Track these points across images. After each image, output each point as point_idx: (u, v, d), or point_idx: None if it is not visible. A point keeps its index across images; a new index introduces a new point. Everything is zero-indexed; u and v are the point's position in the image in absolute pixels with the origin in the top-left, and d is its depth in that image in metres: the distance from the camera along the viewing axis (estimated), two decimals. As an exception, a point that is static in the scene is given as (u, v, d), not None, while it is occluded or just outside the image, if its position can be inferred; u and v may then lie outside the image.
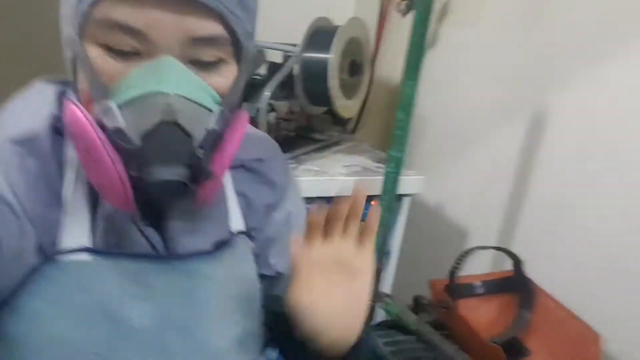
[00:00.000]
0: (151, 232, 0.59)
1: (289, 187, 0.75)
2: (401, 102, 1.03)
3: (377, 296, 1.16)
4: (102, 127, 0.49)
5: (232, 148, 0.54)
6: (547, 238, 1.22)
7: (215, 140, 0.53)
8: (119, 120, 0.49)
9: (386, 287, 1.42)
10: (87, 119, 0.48)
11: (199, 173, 0.51)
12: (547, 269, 1.17)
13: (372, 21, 1.77)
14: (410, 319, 1.07)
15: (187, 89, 0.50)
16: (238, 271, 0.67)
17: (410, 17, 1.09)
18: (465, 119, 1.50)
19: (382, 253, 1.11)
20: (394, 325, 1.20)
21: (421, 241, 1.57)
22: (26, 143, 0.54)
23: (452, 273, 1.10)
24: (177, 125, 0.49)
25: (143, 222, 0.59)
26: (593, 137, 1.12)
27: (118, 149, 0.49)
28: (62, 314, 0.54)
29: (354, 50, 1.43)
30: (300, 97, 1.40)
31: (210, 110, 0.52)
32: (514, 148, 1.31)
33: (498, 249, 1.12)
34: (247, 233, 0.68)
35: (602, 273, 1.09)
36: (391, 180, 1.07)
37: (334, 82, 1.35)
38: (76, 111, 0.48)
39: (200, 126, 0.52)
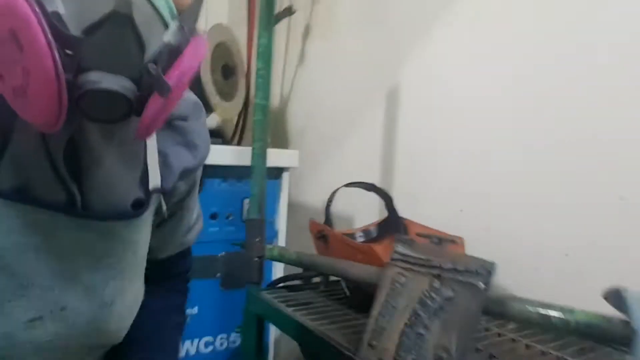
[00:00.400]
0: (69, 181, 0.51)
1: (206, 156, 0.72)
2: (259, 52, 1.13)
3: (261, 251, 1.15)
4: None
5: (192, 65, 0.46)
6: (414, 185, 1.31)
7: (171, 57, 0.45)
8: (57, 4, 0.39)
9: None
10: None
11: (148, 92, 0.43)
12: (418, 211, 1.24)
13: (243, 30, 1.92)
14: (291, 253, 1.07)
15: None
16: (148, 231, 0.64)
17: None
18: (337, 111, 1.63)
19: (261, 204, 1.13)
20: (285, 287, 1.19)
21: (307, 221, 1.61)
22: None
23: (327, 209, 1.14)
24: (131, 23, 0.41)
25: (64, 167, 0.50)
26: (436, 95, 1.29)
27: (54, 38, 0.39)
28: None
29: (224, 55, 1.55)
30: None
31: (167, 24, 0.45)
32: (379, 123, 1.45)
33: (367, 186, 1.18)
34: (162, 191, 0.64)
35: (453, 196, 1.19)
36: (259, 127, 1.13)
37: (206, 79, 1.44)
38: None
39: (155, 37, 0.44)
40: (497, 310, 0.70)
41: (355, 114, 1.56)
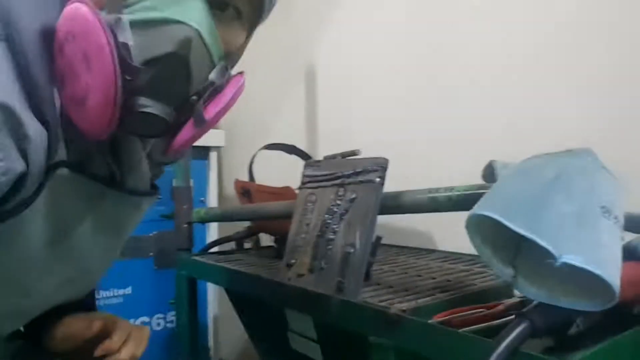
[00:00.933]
0: (111, 162, 0.58)
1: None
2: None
3: (189, 217, 1.18)
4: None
5: (229, 104, 0.53)
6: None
7: (212, 93, 0.51)
8: (128, 36, 0.45)
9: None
10: (97, 17, 0.44)
11: (184, 118, 0.50)
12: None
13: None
14: (216, 210, 1.11)
15: (206, 31, 0.48)
16: None
17: None
18: (263, 98, 1.72)
19: (186, 173, 1.17)
20: (216, 253, 1.22)
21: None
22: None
23: (250, 168, 1.19)
24: (185, 63, 0.47)
25: (106, 150, 0.57)
26: (346, 69, 1.41)
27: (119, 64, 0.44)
28: (39, 232, 0.51)
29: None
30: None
31: (214, 63, 0.51)
32: (301, 101, 1.54)
33: (287, 148, 1.24)
34: None
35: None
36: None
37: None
38: (82, 7, 0.44)
39: (202, 74, 0.50)
40: (393, 203, 0.77)
41: (279, 98, 1.65)
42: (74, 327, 0.68)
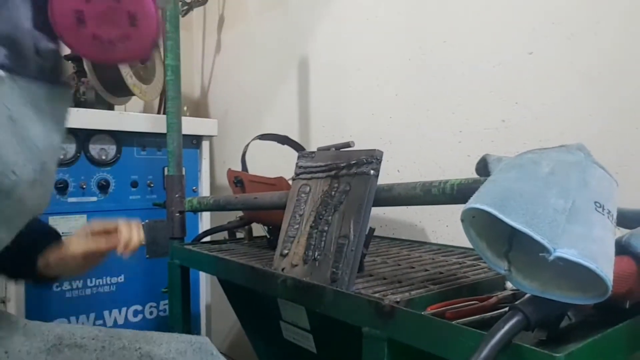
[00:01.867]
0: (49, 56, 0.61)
1: None
2: (167, 17, 1.18)
3: (181, 206, 1.18)
4: None
5: None
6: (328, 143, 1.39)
7: None
8: None
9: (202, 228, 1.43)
10: None
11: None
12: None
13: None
14: (209, 199, 1.11)
15: None
16: None
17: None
18: (256, 90, 1.71)
19: (179, 161, 1.17)
20: (209, 242, 1.22)
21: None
22: None
23: (242, 158, 1.19)
24: None
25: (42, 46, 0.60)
26: (338, 60, 1.40)
27: None
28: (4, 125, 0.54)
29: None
30: (97, 88, 1.47)
31: None
32: (294, 92, 1.53)
33: (279, 138, 1.24)
34: None
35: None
36: (172, 86, 1.17)
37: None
38: None
39: None
40: (386, 195, 0.77)
41: (272, 88, 1.64)
42: (83, 244, 0.76)
